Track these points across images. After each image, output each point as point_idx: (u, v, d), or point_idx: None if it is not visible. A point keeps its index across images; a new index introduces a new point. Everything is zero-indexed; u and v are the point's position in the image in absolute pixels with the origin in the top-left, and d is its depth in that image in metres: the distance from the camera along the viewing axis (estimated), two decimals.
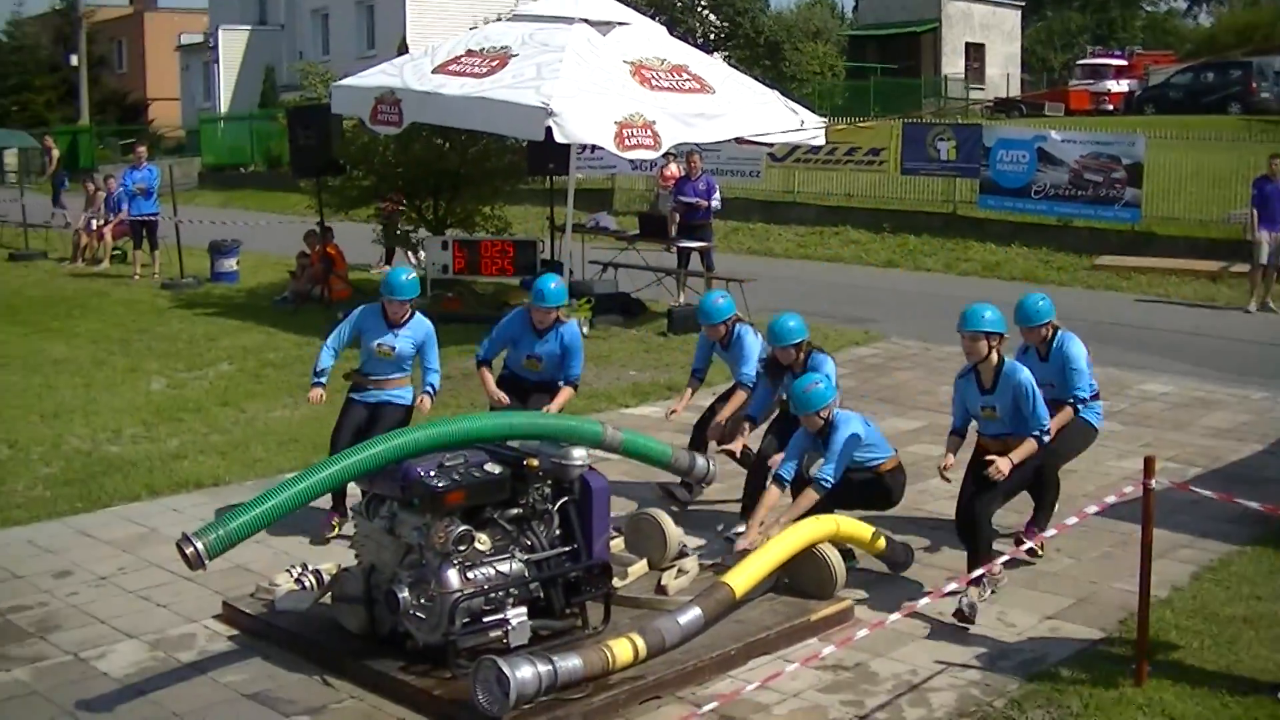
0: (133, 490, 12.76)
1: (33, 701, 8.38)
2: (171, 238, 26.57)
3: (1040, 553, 10.36)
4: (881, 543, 9.99)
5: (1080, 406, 10.48)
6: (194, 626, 9.52)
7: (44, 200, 36.86)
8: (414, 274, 11.47)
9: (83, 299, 24.35)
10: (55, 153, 38.49)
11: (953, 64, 63.53)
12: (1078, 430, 10.61)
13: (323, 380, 11.32)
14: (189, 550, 7.65)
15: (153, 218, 26.70)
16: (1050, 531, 9.69)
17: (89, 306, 23.52)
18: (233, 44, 61.60)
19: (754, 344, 11.83)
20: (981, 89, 62.96)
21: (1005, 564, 9.19)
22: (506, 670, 7.39)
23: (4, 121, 60.82)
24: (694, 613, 8.32)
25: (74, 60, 62.22)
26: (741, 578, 8.83)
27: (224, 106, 60.28)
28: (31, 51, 70.50)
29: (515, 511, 8.56)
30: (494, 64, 18.79)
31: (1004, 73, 65.10)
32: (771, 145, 24.21)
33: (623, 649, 7.90)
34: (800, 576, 9.23)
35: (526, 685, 7.43)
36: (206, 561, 7.75)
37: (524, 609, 8.21)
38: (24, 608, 10.01)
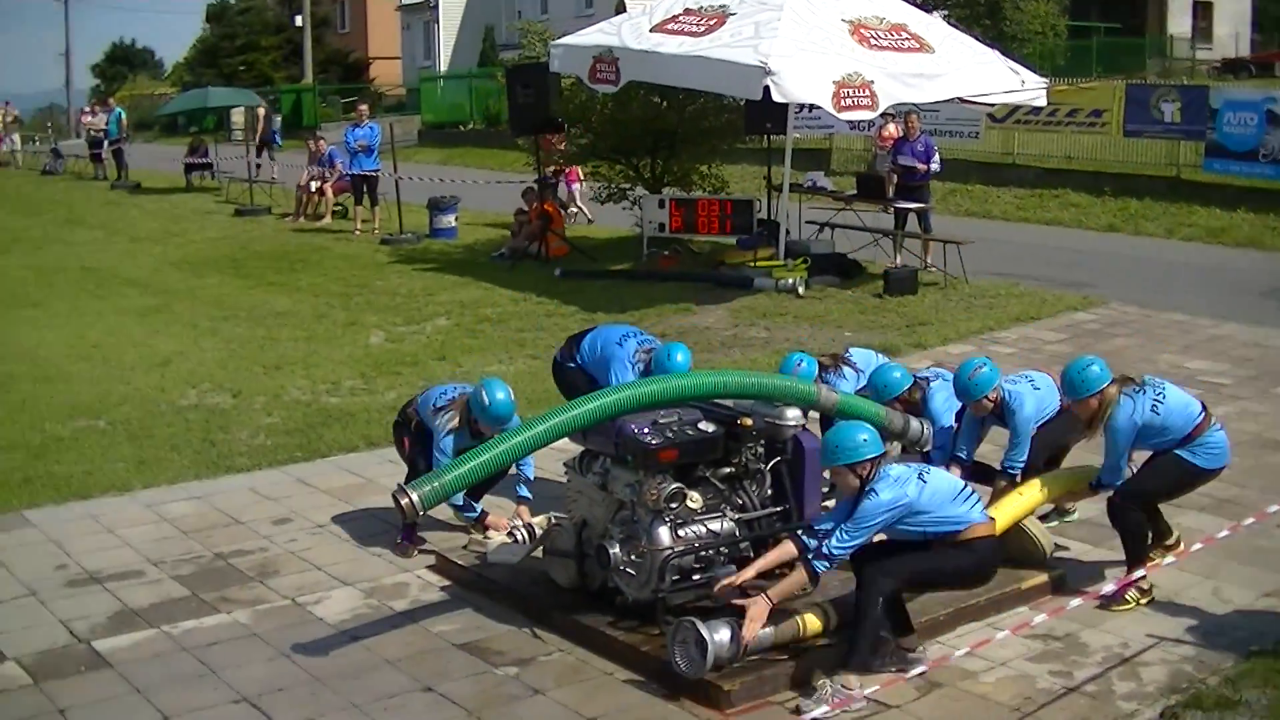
0: (351, 441, 13.03)
1: (252, 643, 8.61)
2: (391, 194, 26.97)
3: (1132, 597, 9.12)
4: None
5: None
6: (407, 576, 9.69)
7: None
8: (511, 397, 9.87)
9: (304, 254, 24.88)
10: (260, 111, 39.41)
11: (1178, 23, 61.60)
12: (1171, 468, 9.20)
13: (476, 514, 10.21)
14: (404, 501, 7.75)
15: (374, 174, 27.16)
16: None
17: (310, 261, 24.02)
18: (453, 3, 62.27)
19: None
20: (1209, 48, 61.05)
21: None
22: (705, 633, 7.40)
23: (231, 80, 62.25)
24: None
25: (298, 21, 63.40)
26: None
27: (443, 65, 61.00)
28: (258, 13, 72.15)
29: (728, 470, 8.53)
30: (712, 23, 18.71)
31: (1233, 31, 62.99)
32: (991, 106, 23.77)
33: (813, 619, 7.90)
34: (1007, 548, 9.06)
35: (723, 649, 7.43)
36: (421, 512, 7.85)
37: (734, 568, 8.17)
38: (245, 552, 10.29)
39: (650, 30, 19.21)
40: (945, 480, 8.23)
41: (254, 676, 8.19)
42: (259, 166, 35.10)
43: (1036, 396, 9.86)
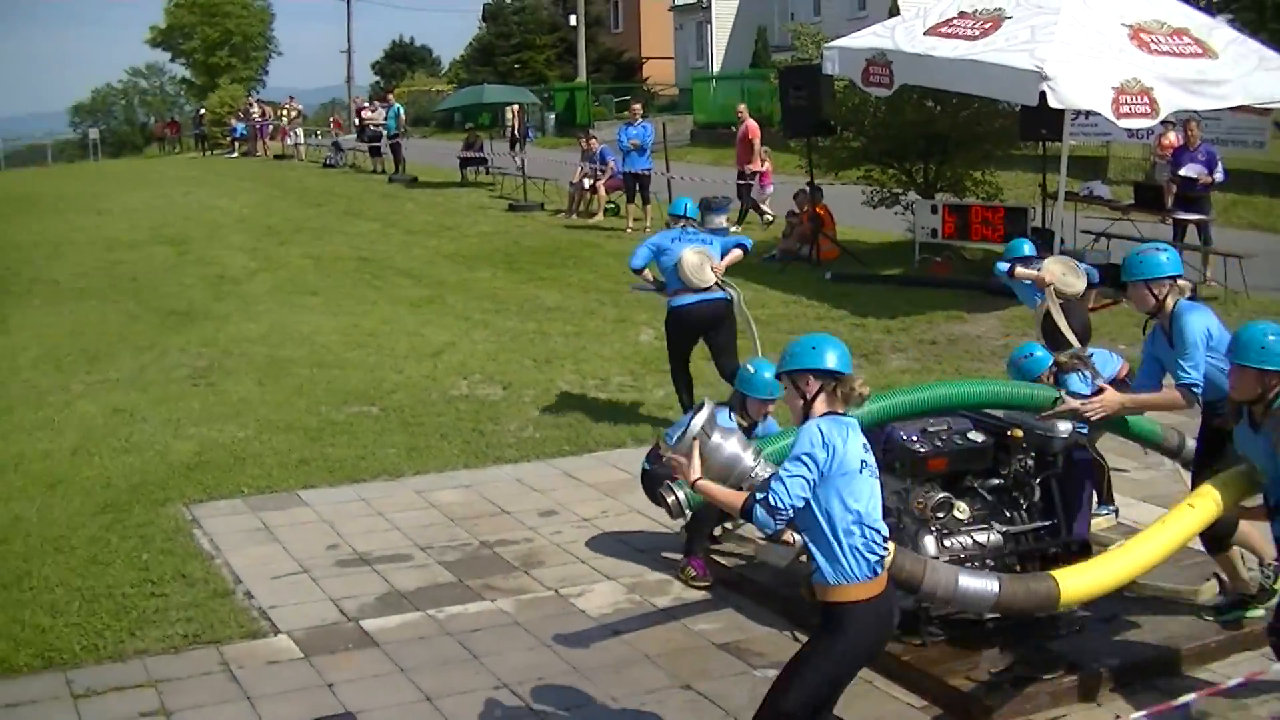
0: (618, 437, 13.19)
1: (514, 631, 8.78)
2: (663, 193, 27.18)
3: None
4: None
5: None
6: (670, 573, 9.76)
7: (544, 154, 38.41)
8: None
9: (576, 250, 25.19)
10: (514, 108, 40.13)
11: None
12: None
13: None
14: (670, 499, 7.81)
15: (646, 173, 27.41)
16: None
17: (581, 257, 24.31)
18: (726, 4, 62.38)
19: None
20: None
21: None
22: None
23: (506, 78, 63.28)
24: (987, 585, 7.19)
25: (573, 20, 64.14)
26: (1077, 580, 7.35)
27: (716, 66, 61.16)
28: (533, 12, 73.18)
29: (996, 482, 8.42)
30: (987, 26, 18.42)
31: None
32: None
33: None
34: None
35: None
36: (687, 511, 7.90)
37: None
38: (510, 542, 10.49)
39: (924, 33, 18.98)
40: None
41: (515, 664, 8.35)
42: (521, 161, 35.72)
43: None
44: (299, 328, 18.84)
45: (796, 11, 57.77)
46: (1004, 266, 11.86)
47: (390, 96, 50.56)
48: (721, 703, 7.78)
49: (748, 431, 9.05)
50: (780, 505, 5.94)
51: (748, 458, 6.67)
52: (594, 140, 30.70)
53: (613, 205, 29.68)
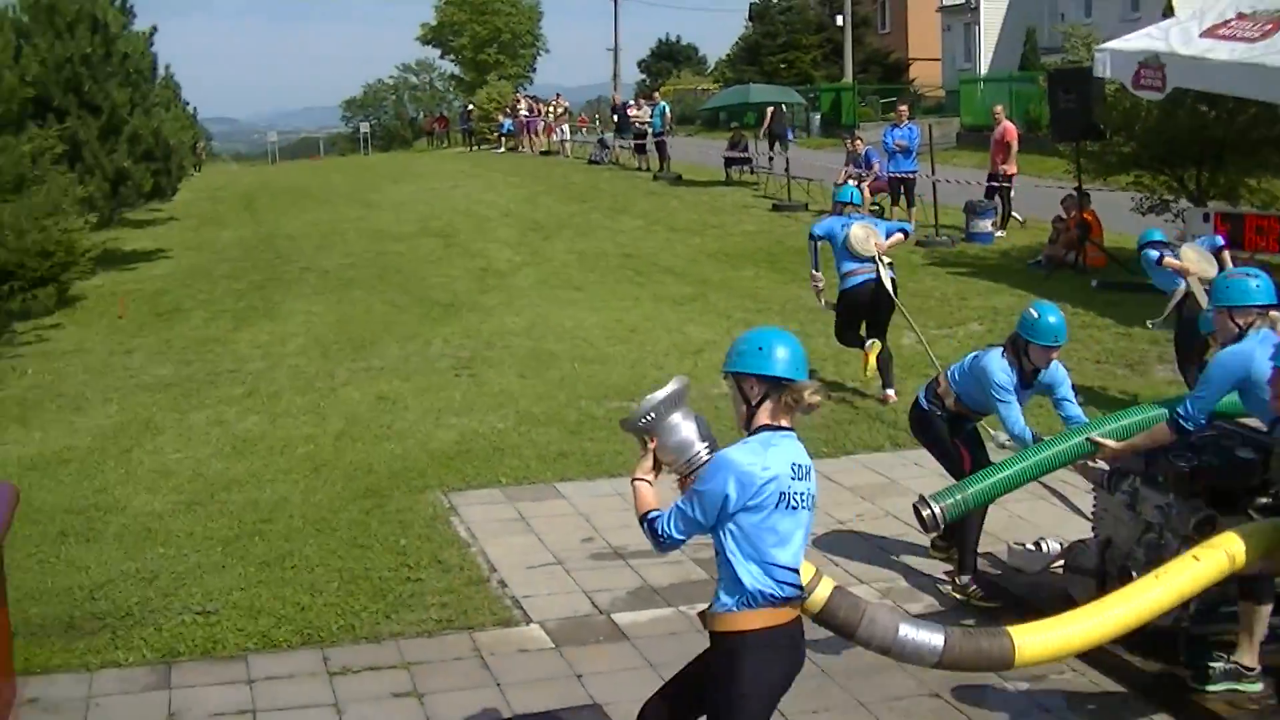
0: (876, 440, 13.17)
1: None
2: (928, 195, 26.89)
3: None
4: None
5: None
6: (923, 580, 9.65)
7: (808, 155, 38.31)
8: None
9: None
10: (770, 110, 39.98)
11: None
12: None
13: None
14: (926, 513, 7.76)
15: (911, 175, 27.16)
16: None
17: None
18: (994, 5, 61.46)
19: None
20: None
21: None
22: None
23: (772, 78, 63.24)
24: (930, 639, 6.48)
25: (839, 20, 63.86)
26: (1037, 640, 6.68)
27: (983, 67, 60.31)
28: (800, 12, 73.06)
29: (1265, 500, 8.11)
30: (1268, 28, 17.79)
31: None
32: None
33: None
34: None
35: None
36: (942, 525, 7.82)
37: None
38: None
39: (1200, 35, 18.42)
40: None
41: None
42: (771, 159, 35.63)
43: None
44: (562, 322, 19.09)
45: (1067, 12, 56.63)
46: (1154, 254, 13.29)
47: (656, 94, 50.90)
48: (971, 713, 7.66)
49: (1029, 379, 8.93)
50: (661, 533, 5.68)
51: (700, 448, 6.01)
52: (859, 141, 30.52)
53: (877, 207, 29.39)
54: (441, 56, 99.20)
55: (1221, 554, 6.90)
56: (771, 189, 35.08)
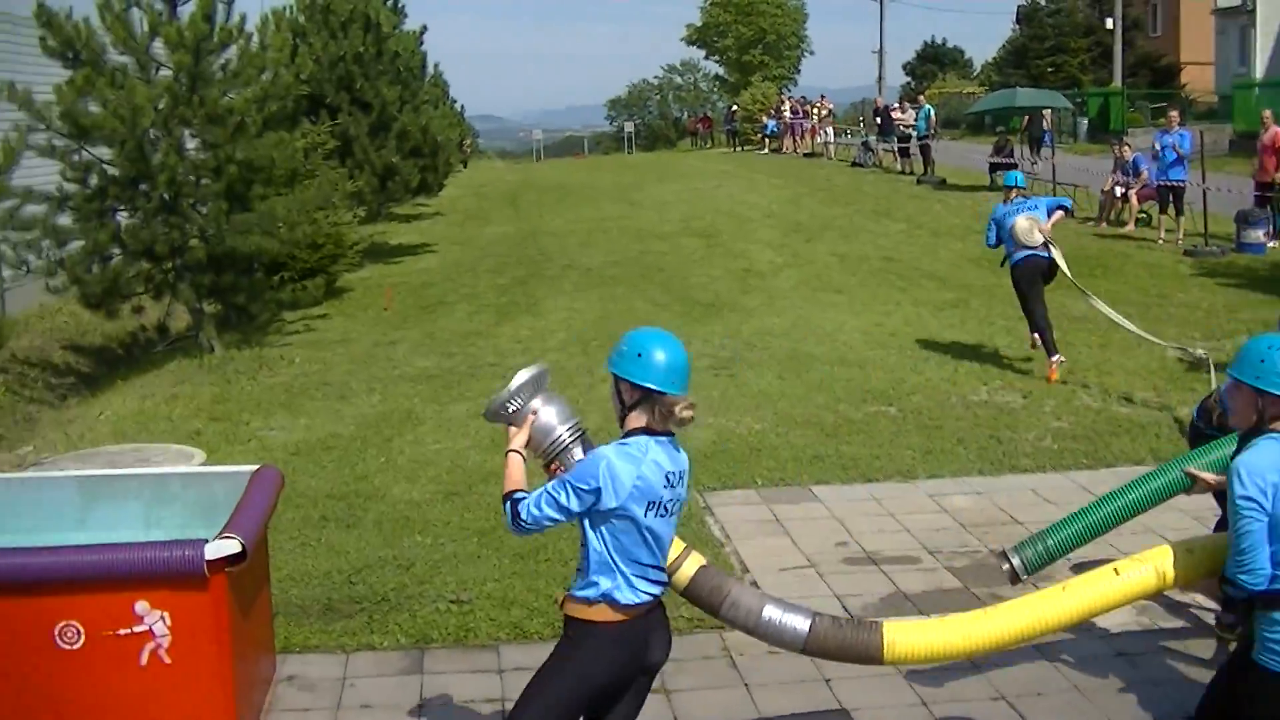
0: (1137, 453, 12.76)
1: None
2: (1198, 204, 26.10)
3: None
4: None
5: None
6: (1185, 596, 9.29)
7: (1074, 160, 37.60)
8: None
9: (1105, 259, 24.45)
10: (1028, 115, 39.27)
11: None
12: None
13: None
14: (1005, 567, 7.54)
15: (1181, 184, 26.37)
16: None
17: (1110, 267, 23.58)
18: (1272, 7, 59.45)
19: None
20: None
21: None
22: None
23: (1038, 81, 62.14)
24: (796, 623, 6.33)
25: (1109, 23, 62.42)
26: (910, 639, 6.44)
27: (1259, 71, 58.45)
28: (1069, 14, 71.63)
29: None
30: None
31: None
32: None
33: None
34: None
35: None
36: (1024, 577, 7.57)
37: None
38: None
39: None
40: None
41: (1015, 676, 8.18)
42: (1033, 164, 34.97)
43: None
44: (822, 324, 18.98)
45: None
46: None
47: (920, 98, 50.36)
48: None
49: None
50: (524, 517, 5.57)
51: (562, 430, 5.91)
52: (1127, 148, 29.74)
53: (1145, 215, 28.67)
54: (706, 57, 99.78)
55: (1149, 569, 6.44)
56: (1036, 194, 34.42)
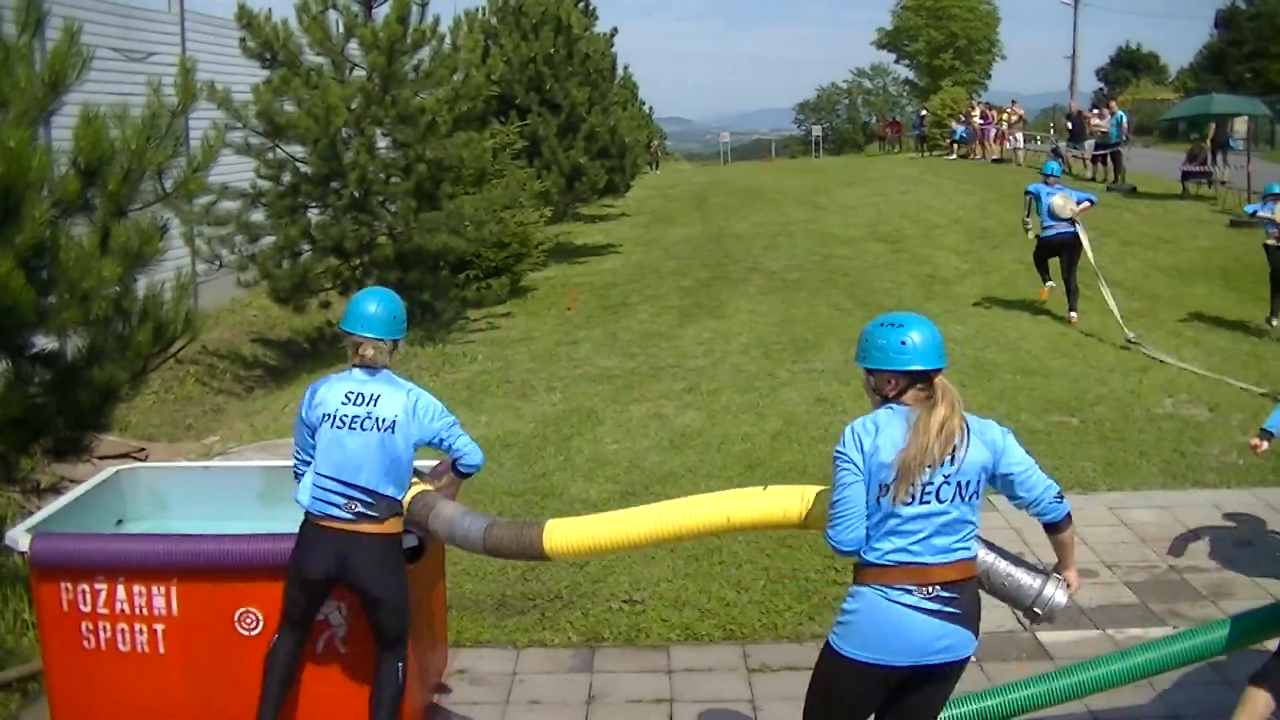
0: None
1: None
2: None
3: None
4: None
5: None
6: None
7: (1271, 167, 36.66)
8: None
9: None
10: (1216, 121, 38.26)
11: None
12: None
13: None
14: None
15: None
16: None
17: None
18: None
19: None
20: None
21: None
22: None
23: (1236, 88, 60.75)
24: (475, 524, 6.70)
25: None
26: (566, 532, 6.55)
27: None
28: (1270, 18, 69.89)
29: None
30: None
31: None
32: None
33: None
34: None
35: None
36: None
37: None
38: (1201, 570, 10.05)
39: None
40: None
41: (1187, 696, 7.98)
42: (1222, 172, 34.19)
43: None
44: (1006, 332, 18.75)
45: None
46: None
47: (1113, 103, 49.49)
48: None
49: None
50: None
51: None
52: None
53: None
54: (896, 61, 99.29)
55: (797, 499, 6.34)
56: (1230, 204, 33.66)
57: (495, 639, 8.84)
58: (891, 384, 5.69)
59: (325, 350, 20.27)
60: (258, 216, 18.69)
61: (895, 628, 5.43)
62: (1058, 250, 19.87)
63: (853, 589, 5.60)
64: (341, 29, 18.78)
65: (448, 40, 19.72)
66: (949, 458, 5.46)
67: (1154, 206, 34.20)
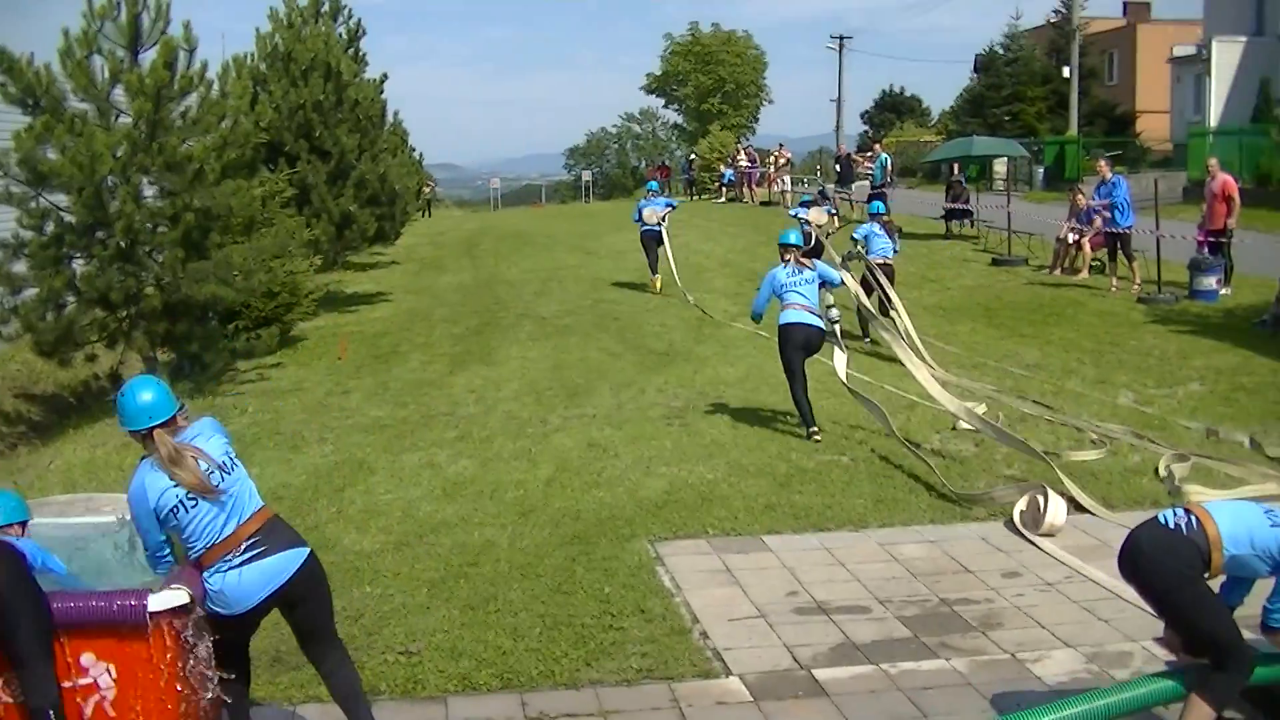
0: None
1: (966, 692, 8.61)
2: (1150, 252, 26.28)
3: None
4: None
5: None
6: (1132, 645, 9.37)
7: (1030, 208, 37.87)
8: None
9: (1059, 307, 24.62)
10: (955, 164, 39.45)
11: None
12: None
13: None
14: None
15: (1125, 231, 26.51)
16: None
17: (1064, 315, 23.74)
18: (1226, 56, 59.99)
19: None
20: None
21: None
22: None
23: (995, 130, 62.58)
24: None
25: (1066, 72, 62.91)
26: None
27: (1214, 120, 59.00)
28: (1026, 63, 72.13)
29: None
30: None
31: None
32: None
33: None
34: None
35: None
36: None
37: None
38: (971, 601, 10.31)
39: None
40: None
41: None
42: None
43: None
44: (776, 373, 18.92)
45: None
46: None
47: (878, 146, 50.66)
48: None
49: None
50: None
51: None
52: (1081, 195, 29.95)
53: (1099, 262, 28.85)
54: (665, 105, 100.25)
55: None
56: (991, 244, 34.65)
57: (270, 696, 8.70)
58: None
59: (92, 404, 19.81)
60: (20, 268, 18.18)
61: None
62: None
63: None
64: (107, 74, 18.39)
65: (216, 86, 19.43)
66: None
67: (918, 246, 35.05)
